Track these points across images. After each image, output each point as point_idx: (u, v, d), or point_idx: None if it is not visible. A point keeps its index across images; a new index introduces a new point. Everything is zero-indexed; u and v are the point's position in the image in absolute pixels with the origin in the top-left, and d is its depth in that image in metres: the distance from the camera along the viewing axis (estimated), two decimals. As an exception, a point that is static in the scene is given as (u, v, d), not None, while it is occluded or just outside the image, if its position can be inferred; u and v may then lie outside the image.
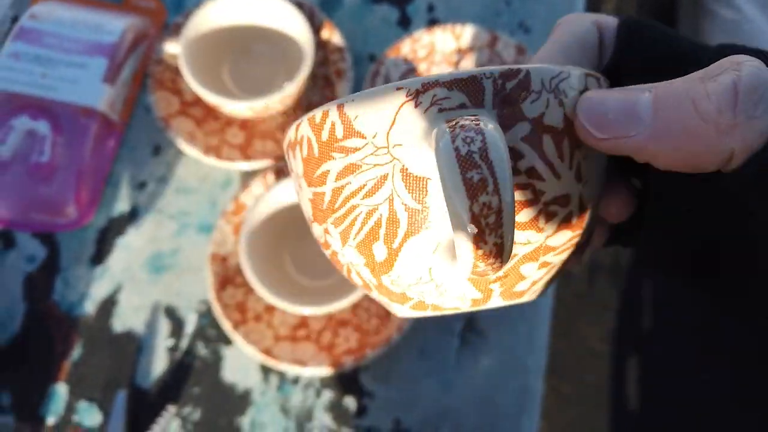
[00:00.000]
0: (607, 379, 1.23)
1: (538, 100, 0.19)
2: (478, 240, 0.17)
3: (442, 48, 0.57)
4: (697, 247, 0.22)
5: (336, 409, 0.49)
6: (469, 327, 0.51)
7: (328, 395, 0.50)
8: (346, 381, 0.50)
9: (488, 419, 0.49)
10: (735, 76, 0.18)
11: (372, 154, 0.20)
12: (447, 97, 0.19)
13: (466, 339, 0.51)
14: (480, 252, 0.17)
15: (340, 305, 0.46)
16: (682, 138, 0.19)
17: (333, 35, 0.56)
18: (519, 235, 0.20)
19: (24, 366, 0.50)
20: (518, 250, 0.20)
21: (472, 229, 0.17)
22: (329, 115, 0.21)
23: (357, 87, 0.56)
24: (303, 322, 0.50)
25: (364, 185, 0.20)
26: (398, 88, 0.19)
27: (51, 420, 0.49)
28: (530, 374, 0.50)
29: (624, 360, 1.23)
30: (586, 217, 0.21)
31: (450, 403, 0.50)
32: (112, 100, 0.54)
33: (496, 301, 0.22)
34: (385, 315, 0.49)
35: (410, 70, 0.56)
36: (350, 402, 0.49)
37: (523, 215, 0.20)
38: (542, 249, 0.21)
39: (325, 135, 0.21)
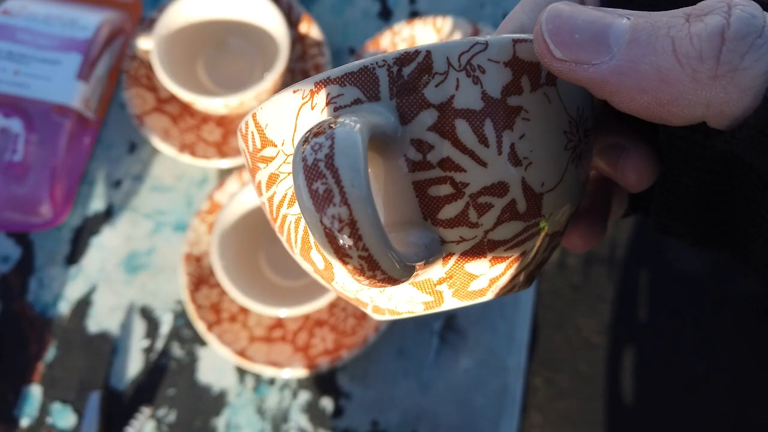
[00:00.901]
0: (603, 371, 1.22)
1: (444, 82, 0.17)
2: (342, 255, 0.15)
3: (422, 41, 0.56)
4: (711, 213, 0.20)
5: (312, 411, 0.49)
6: (448, 326, 0.50)
7: (304, 396, 0.49)
8: (322, 382, 0.49)
9: (467, 420, 0.49)
10: (724, 19, 0.16)
11: (284, 162, 0.19)
12: (341, 94, 0.17)
13: (445, 338, 0.50)
14: (350, 267, 0.16)
15: (315, 306, 0.45)
16: (652, 79, 0.16)
17: (311, 29, 0.54)
18: (447, 233, 0.18)
19: (-2, 367, 0.49)
20: (452, 248, 0.18)
21: (326, 245, 0.15)
22: (249, 125, 0.20)
23: (335, 82, 0.55)
24: (279, 322, 0.49)
25: (285, 194, 0.19)
26: (295, 91, 0.18)
27: (25, 421, 0.48)
28: (510, 374, 0.50)
29: (620, 352, 1.23)
30: (545, 201, 0.19)
31: (428, 404, 0.49)
32: (87, 97, 0.53)
33: (453, 303, 0.20)
34: (362, 315, 0.49)
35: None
36: (327, 403, 0.49)
37: (447, 211, 0.18)
38: (485, 245, 0.19)
39: (250, 145, 0.20)
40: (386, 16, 0.58)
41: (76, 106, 0.52)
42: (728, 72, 0.16)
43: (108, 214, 0.53)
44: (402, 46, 0.55)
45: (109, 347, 0.50)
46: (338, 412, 0.49)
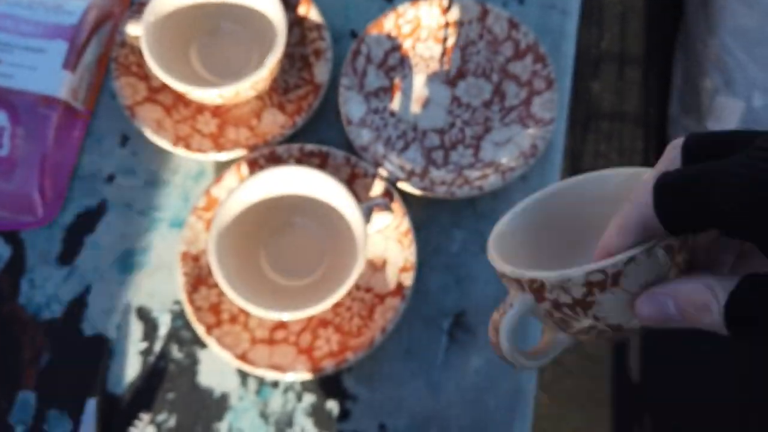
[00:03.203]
0: (609, 351, 1.21)
1: (552, 291, 0.27)
2: (501, 356, 0.29)
3: (428, 23, 0.53)
4: None
5: (318, 414, 0.47)
6: (458, 323, 0.48)
7: (309, 399, 0.47)
8: (328, 384, 0.47)
9: (479, 422, 0.47)
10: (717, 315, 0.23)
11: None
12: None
13: (455, 337, 0.48)
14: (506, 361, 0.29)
15: (318, 308, 0.43)
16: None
17: (310, 11, 0.51)
18: (572, 336, 0.29)
19: (-10, 373, 0.47)
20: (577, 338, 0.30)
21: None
22: None
23: (337, 67, 0.52)
24: (281, 323, 0.47)
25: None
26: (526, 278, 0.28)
27: (20, 429, 0.46)
28: (522, 374, 0.48)
29: (627, 332, 1.21)
30: (624, 328, 0.27)
31: (438, 406, 0.47)
32: (75, 87, 0.51)
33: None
34: (368, 315, 0.47)
35: (394, 48, 0.52)
36: (333, 406, 0.47)
37: (570, 327, 0.28)
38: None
39: None
40: (389, -4, 0.55)
41: (63, 96, 0.50)
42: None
43: (101, 211, 0.50)
44: (407, 29, 0.52)
45: (106, 350, 0.48)
46: (344, 415, 0.47)
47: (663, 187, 0.24)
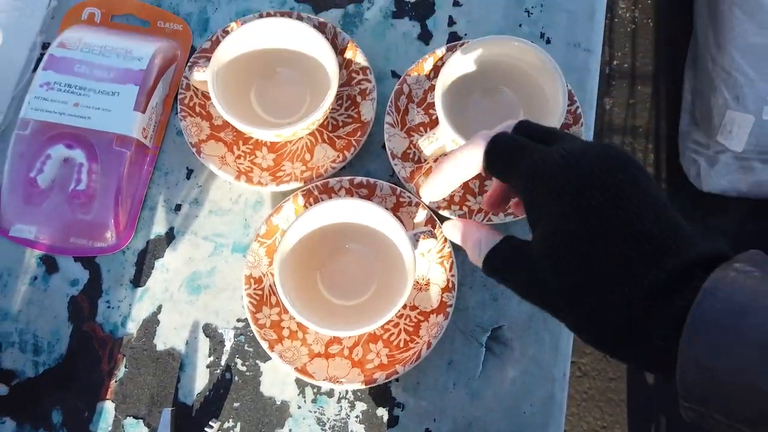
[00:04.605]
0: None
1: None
2: None
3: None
4: None
5: (369, 420, 0.52)
6: (494, 338, 0.53)
7: (361, 407, 0.52)
8: (378, 393, 0.52)
9: (515, 427, 0.52)
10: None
11: None
12: None
13: (492, 350, 0.53)
14: None
15: (375, 325, 0.47)
16: None
17: (356, 55, 0.57)
18: None
19: (72, 385, 0.53)
20: None
21: None
22: None
23: (382, 106, 0.57)
24: (335, 339, 0.52)
25: None
26: None
27: (102, 436, 0.52)
28: (556, 383, 0.52)
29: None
30: None
31: (477, 412, 0.52)
32: (145, 125, 0.56)
33: None
34: (414, 331, 0.52)
35: (432, 87, 0.57)
36: (383, 413, 0.52)
37: None
38: None
39: None
40: (426, 39, 0.60)
41: (135, 135, 0.55)
42: None
43: (169, 238, 0.56)
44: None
45: (177, 364, 0.53)
46: (393, 421, 0.52)
47: (491, 148, 0.35)
